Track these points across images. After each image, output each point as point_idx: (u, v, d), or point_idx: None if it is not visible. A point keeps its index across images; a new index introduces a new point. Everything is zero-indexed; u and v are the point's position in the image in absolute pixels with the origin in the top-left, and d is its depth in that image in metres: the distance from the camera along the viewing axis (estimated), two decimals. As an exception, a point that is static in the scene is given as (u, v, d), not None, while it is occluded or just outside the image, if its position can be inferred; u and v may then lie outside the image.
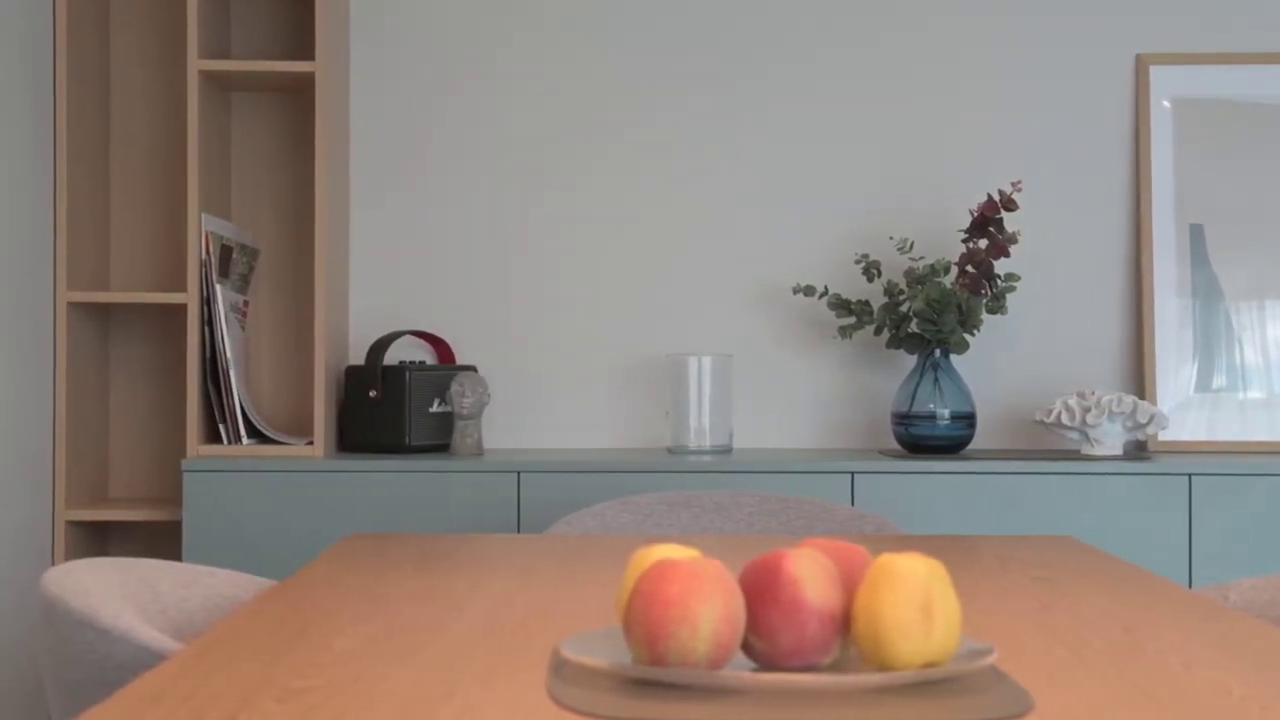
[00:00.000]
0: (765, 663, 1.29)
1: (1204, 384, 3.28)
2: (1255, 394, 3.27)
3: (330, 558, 2.02)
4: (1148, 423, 3.09)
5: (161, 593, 1.74)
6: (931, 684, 1.26)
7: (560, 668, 1.32)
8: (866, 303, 3.17)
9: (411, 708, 1.17)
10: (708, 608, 1.23)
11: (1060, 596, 1.74)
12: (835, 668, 1.32)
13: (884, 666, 1.25)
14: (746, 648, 1.30)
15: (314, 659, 1.36)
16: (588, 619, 1.59)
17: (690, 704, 1.19)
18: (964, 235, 3.25)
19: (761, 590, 1.28)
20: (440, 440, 3.19)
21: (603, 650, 1.34)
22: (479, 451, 3.14)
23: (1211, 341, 3.29)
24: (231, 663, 1.34)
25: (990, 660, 1.26)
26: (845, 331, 3.16)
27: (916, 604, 1.24)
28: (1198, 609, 1.65)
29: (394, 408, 3.12)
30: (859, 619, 1.26)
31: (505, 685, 1.26)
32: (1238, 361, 3.28)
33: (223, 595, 1.84)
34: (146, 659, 1.48)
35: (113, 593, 1.62)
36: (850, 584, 1.34)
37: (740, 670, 1.27)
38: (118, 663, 1.48)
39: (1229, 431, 3.26)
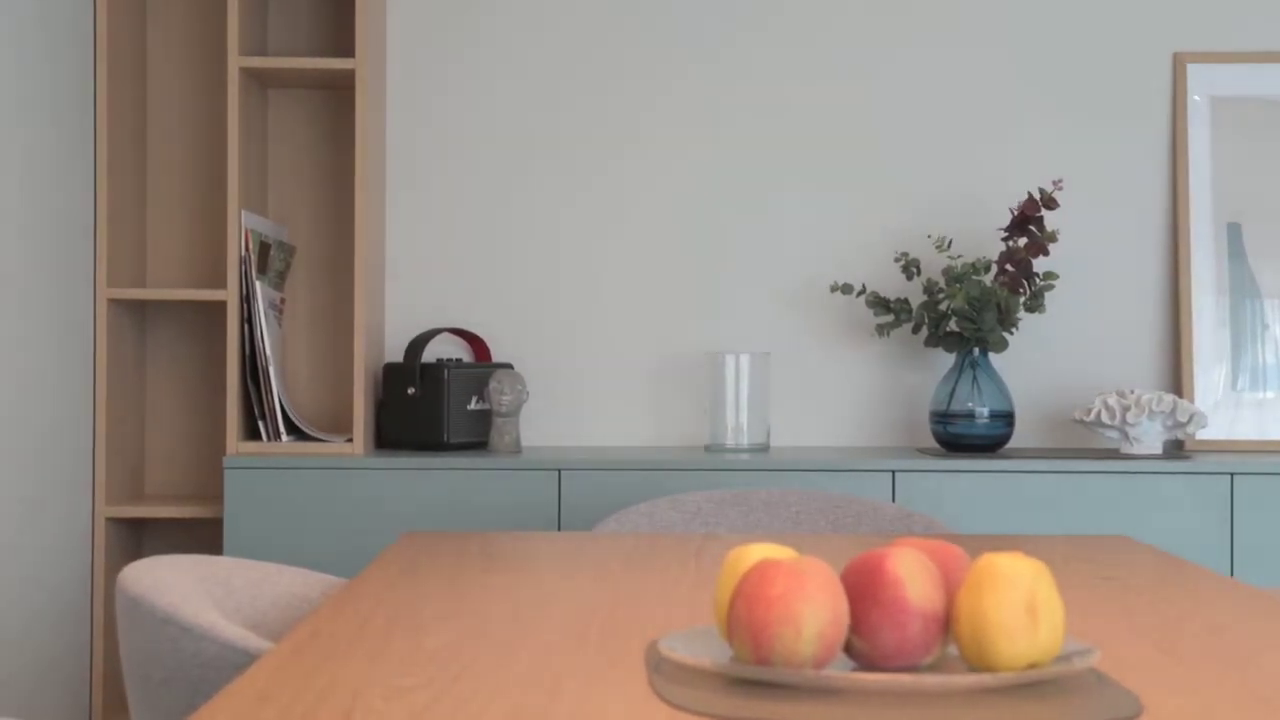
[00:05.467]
0: (866, 663, 1.29)
1: (1240, 383, 3.27)
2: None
3: (392, 556, 2.02)
4: (1188, 422, 3.09)
5: (235, 589, 1.74)
6: (1035, 685, 1.26)
7: (659, 666, 1.32)
8: (905, 301, 3.16)
9: (523, 707, 1.17)
10: (811, 608, 1.23)
11: (1136, 597, 1.74)
12: (935, 668, 1.32)
13: (986, 667, 1.25)
14: (847, 647, 1.29)
15: (410, 658, 1.35)
16: (672, 618, 1.58)
17: (795, 704, 1.19)
18: (1004, 234, 3.25)
19: (863, 590, 1.28)
20: (478, 438, 3.18)
21: (699, 650, 1.34)
22: (517, 449, 3.13)
23: (1248, 340, 3.29)
24: (329, 661, 1.33)
25: (1093, 661, 1.26)
26: (883, 329, 3.16)
27: (1022, 605, 1.24)
28: (1278, 609, 1.65)
29: (432, 405, 3.12)
30: (962, 619, 1.26)
31: (608, 684, 1.25)
32: (1275, 360, 3.28)
33: (292, 593, 1.84)
34: (232, 656, 1.48)
35: (191, 590, 1.62)
36: (949, 584, 1.33)
37: (841, 670, 1.27)
38: (203, 660, 1.47)
39: (1266, 430, 3.25)
